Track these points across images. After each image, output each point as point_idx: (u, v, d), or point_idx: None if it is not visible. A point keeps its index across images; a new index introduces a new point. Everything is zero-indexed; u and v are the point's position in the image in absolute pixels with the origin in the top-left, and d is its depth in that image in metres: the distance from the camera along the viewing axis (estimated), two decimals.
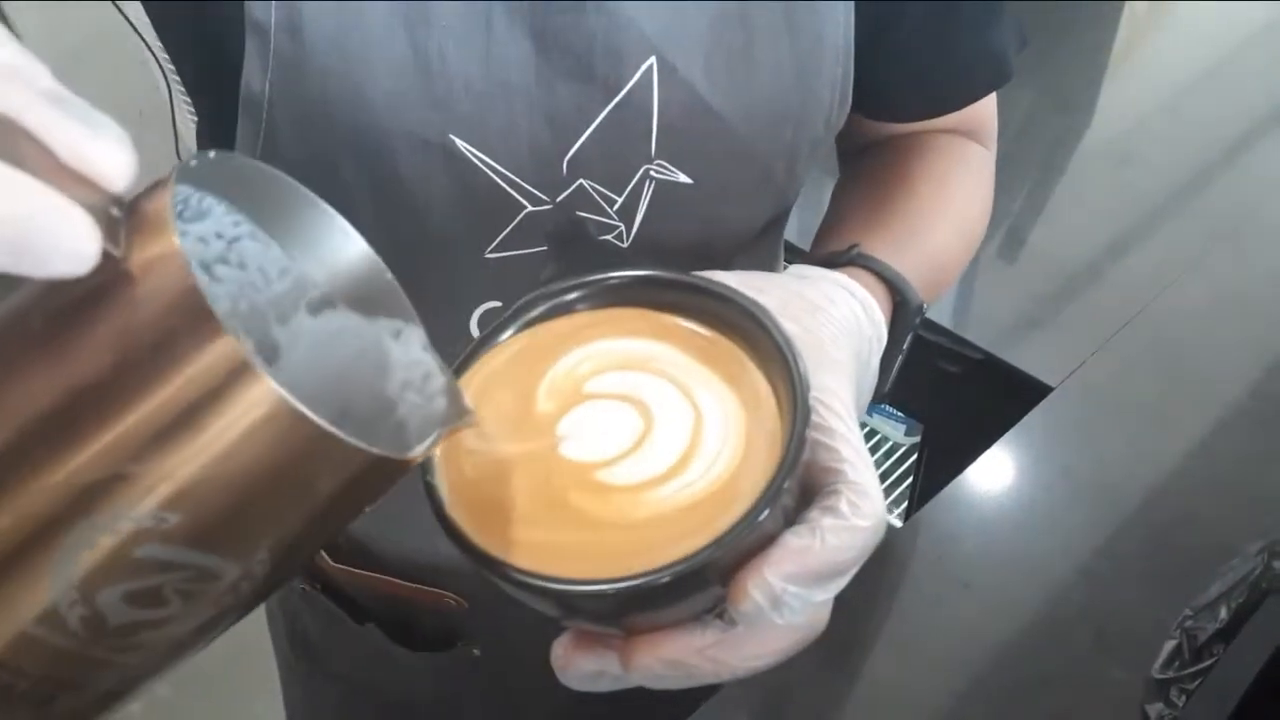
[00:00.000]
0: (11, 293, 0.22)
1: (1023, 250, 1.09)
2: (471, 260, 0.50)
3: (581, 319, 0.36)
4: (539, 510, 0.31)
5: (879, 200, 0.56)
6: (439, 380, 0.29)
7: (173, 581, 0.23)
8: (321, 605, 0.69)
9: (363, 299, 0.29)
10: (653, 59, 0.45)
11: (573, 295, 0.36)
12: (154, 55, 1.64)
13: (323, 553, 0.65)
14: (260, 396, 0.21)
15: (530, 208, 0.48)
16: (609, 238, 0.51)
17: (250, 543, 0.24)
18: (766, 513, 0.29)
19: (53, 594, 0.22)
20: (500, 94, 0.45)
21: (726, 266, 0.57)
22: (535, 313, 0.36)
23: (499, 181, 0.47)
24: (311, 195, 0.27)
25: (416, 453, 0.25)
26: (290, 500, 0.24)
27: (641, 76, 0.46)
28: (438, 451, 0.32)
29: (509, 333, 0.35)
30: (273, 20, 0.43)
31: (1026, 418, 0.82)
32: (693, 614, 0.32)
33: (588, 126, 0.47)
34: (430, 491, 0.32)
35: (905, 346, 0.49)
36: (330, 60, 0.43)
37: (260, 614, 0.76)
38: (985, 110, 0.62)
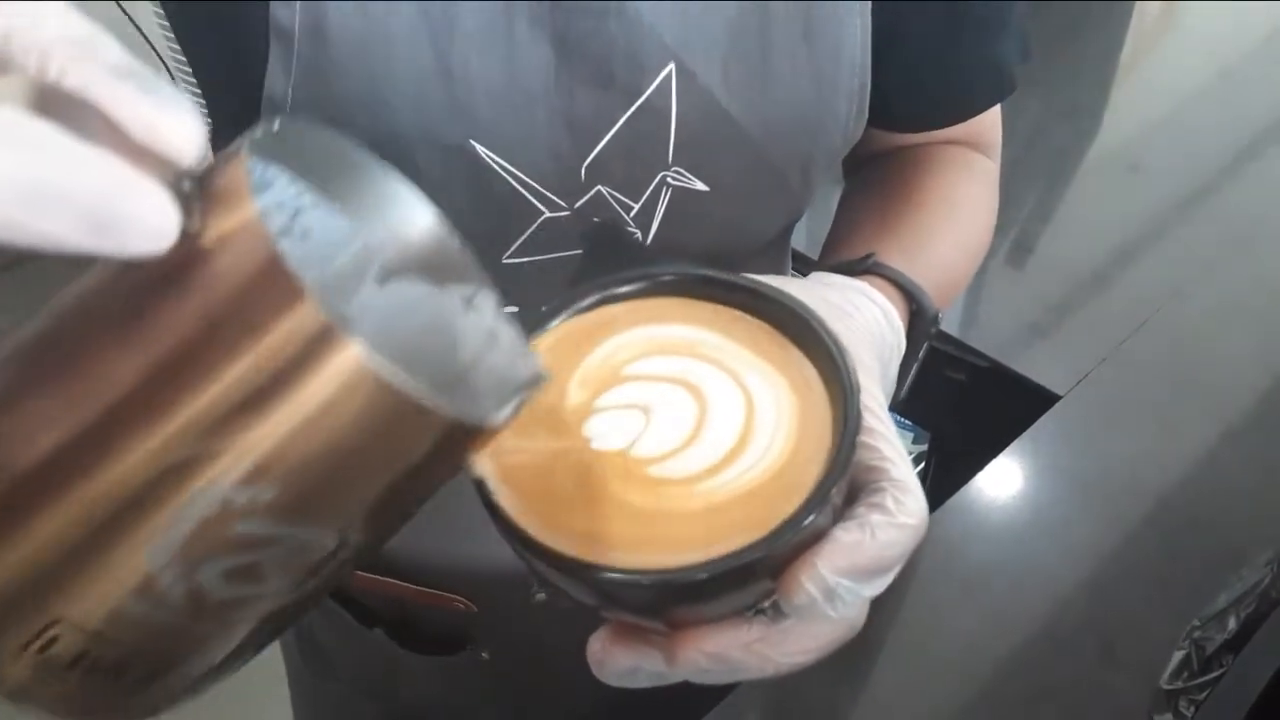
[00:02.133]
0: (83, 274, 0.22)
1: (1030, 258, 1.09)
2: (488, 265, 0.49)
3: (631, 306, 0.36)
4: (590, 499, 0.31)
5: (888, 211, 0.56)
6: (512, 344, 0.28)
7: (271, 556, 0.23)
8: (330, 610, 0.69)
9: (431, 266, 0.28)
10: (672, 66, 0.46)
11: (624, 289, 0.36)
12: (159, 56, 1.64)
13: None
14: (347, 361, 0.21)
15: (548, 213, 0.48)
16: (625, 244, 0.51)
17: (342, 512, 0.24)
18: (815, 516, 0.29)
19: (151, 569, 0.22)
20: (521, 100, 0.45)
21: (738, 272, 0.58)
22: (583, 303, 0.36)
23: (517, 187, 0.47)
24: (378, 160, 0.26)
25: (497, 419, 0.25)
26: (377, 467, 0.23)
27: (661, 83, 0.46)
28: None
29: (557, 320, 0.35)
30: (297, 23, 0.43)
31: (1034, 426, 0.82)
32: (738, 609, 0.32)
33: (607, 133, 0.47)
34: (479, 485, 0.31)
35: (921, 354, 0.49)
36: (353, 64, 0.43)
37: None
38: (990, 122, 0.62)
